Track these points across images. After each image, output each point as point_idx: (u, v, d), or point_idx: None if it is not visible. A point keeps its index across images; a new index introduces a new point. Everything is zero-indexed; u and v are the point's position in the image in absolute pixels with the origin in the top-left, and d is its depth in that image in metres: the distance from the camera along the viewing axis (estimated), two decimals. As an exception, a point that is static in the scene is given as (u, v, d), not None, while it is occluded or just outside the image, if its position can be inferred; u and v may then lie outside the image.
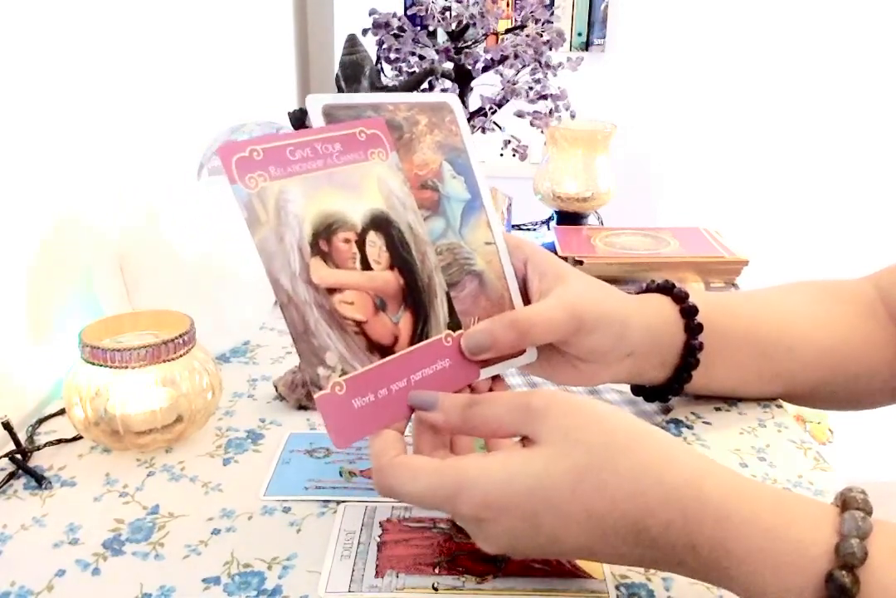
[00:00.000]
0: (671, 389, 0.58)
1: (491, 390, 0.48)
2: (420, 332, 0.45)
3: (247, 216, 0.41)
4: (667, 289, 0.57)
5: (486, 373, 0.47)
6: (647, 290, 0.59)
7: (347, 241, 0.43)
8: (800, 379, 0.59)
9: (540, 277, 0.50)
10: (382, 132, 0.47)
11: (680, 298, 0.56)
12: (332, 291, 0.42)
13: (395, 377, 0.43)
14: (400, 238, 0.45)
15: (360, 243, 0.44)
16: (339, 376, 0.41)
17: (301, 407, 0.62)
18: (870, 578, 0.32)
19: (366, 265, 0.44)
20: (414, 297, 0.45)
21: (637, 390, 0.61)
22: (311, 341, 0.41)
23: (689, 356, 0.55)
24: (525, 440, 0.40)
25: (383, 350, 0.43)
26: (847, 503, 0.35)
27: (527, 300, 0.51)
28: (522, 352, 0.50)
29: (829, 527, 0.34)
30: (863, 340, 0.59)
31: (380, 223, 0.45)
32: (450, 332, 0.46)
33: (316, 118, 0.45)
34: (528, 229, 1.17)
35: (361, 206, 0.44)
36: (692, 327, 0.55)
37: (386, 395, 0.42)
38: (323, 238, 0.43)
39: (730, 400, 0.63)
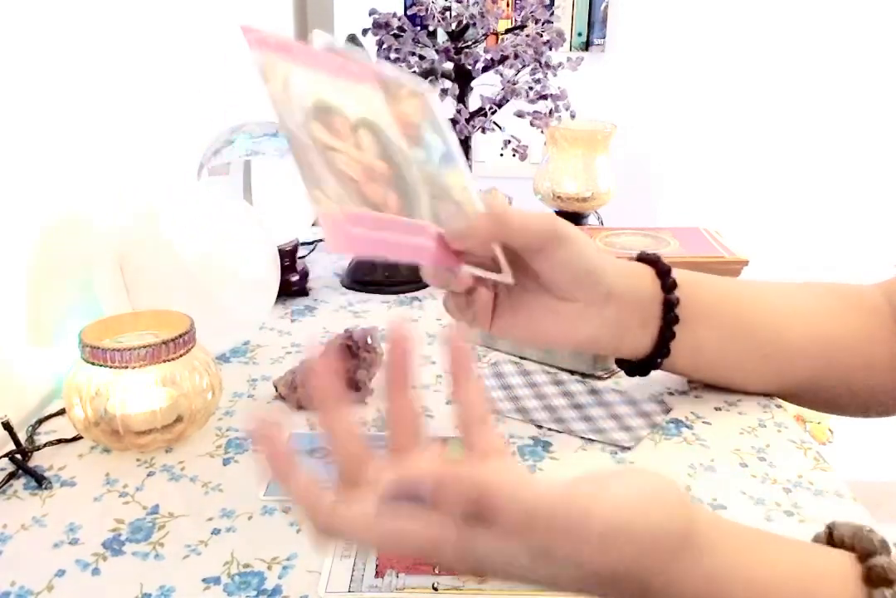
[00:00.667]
0: (659, 352, 0.57)
1: (473, 288, 0.50)
2: (407, 211, 0.47)
3: (261, 72, 0.44)
4: (640, 258, 0.58)
5: (466, 269, 0.49)
6: None
7: (342, 125, 0.46)
8: (791, 366, 0.59)
9: (515, 211, 0.51)
10: (372, 76, 0.50)
11: (653, 262, 0.57)
12: (328, 149, 0.44)
13: (388, 228, 0.45)
14: (387, 142, 0.48)
15: (353, 131, 0.46)
16: (336, 205, 0.43)
17: (301, 407, 0.62)
18: None
19: (358, 149, 0.46)
20: (400, 186, 0.47)
21: (631, 369, 0.61)
22: (312, 170, 0.43)
23: (669, 311, 0.56)
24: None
25: (376, 208, 0.45)
26: (872, 572, 0.33)
27: None
28: (500, 271, 0.51)
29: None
30: (859, 332, 0.59)
31: (370, 126, 0.47)
32: (434, 224, 0.48)
33: (318, 45, 0.49)
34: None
35: (355, 108, 0.47)
36: (667, 285, 0.56)
37: (380, 238, 0.44)
38: (322, 113, 0.45)
39: (730, 400, 0.63)
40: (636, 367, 0.60)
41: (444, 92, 0.92)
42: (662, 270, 0.57)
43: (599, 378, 0.67)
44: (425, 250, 0.48)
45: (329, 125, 0.45)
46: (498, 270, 0.51)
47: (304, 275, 0.86)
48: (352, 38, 0.86)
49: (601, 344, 0.56)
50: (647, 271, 0.57)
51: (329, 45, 0.50)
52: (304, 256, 0.92)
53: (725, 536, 0.34)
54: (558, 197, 1.06)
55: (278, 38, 0.46)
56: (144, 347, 0.52)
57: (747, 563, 0.34)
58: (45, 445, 0.56)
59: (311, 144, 0.44)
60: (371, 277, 0.87)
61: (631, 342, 0.57)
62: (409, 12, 0.92)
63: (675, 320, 0.56)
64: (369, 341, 0.65)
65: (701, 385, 0.65)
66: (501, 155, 1.00)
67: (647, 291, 0.56)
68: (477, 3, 0.88)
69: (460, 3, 0.88)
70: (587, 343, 0.55)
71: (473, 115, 0.91)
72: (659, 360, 0.58)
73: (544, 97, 0.91)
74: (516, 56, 0.88)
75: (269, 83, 0.44)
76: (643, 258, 0.59)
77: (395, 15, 0.89)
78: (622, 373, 0.68)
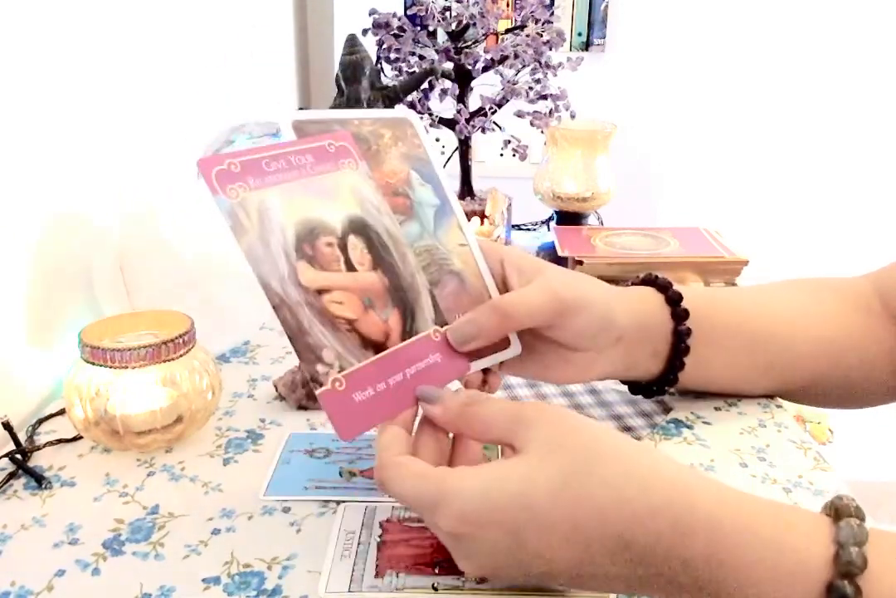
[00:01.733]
0: (667, 379, 0.57)
1: (485, 382, 0.49)
2: (409, 329, 0.46)
3: (231, 224, 0.42)
4: (649, 281, 0.58)
5: (476, 366, 0.49)
6: (632, 285, 0.60)
7: (330, 245, 0.45)
8: (796, 371, 0.59)
9: (518, 272, 0.50)
10: (350, 144, 0.49)
11: (663, 287, 0.57)
12: (320, 292, 0.44)
13: (391, 372, 0.45)
14: (379, 241, 0.47)
15: (342, 247, 0.45)
16: (338, 371, 0.42)
17: (301, 407, 0.62)
18: (870, 586, 0.32)
19: (350, 267, 0.45)
20: (399, 295, 0.47)
21: (635, 388, 0.61)
22: (307, 340, 0.42)
23: (679, 342, 0.55)
24: (508, 451, 0.40)
25: (376, 346, 0.45)
26: (840, 511, 0.34)
27: None
28: (507, 345, 0.50)
29: (825, 537, 0.33)
30: (858, 331, 0.59)
31: (358, 227, 0.46)
32: (437, 327, 0.48)
33: (287, 132, 0.47)
34: (528, 229, 1.17)
35: (338, 212, 0.46)
36: (678, 314, 0.55)
37: (384, 389, 0.44)
38: (307, 243, 0.44)
39: (730, 400, 0.63)
40: (640, 389, 0.60)
41: (444, 92, 0.93)
42: (672, 299, 0.56)
43: (599, 378, 0.67)
44: (434, 373, 0.46)
45: (316, 255, 0.44)
46: (503, 345, 0.50)
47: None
48: (352, 38, 0.86)
49: (611, 377, 0.57)
50: (657, 300, 0.56)
51: (300, 126, 0.48)
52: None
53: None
54: (558, 197, 1.06)
55: (241, 159, 0.44)
56: (144, 347, 0.52)
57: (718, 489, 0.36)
58: (45, 445, 0.56)
59: (301, 299, 0.43)
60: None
61: (639, 371, 0.57)
62: (409, 12, 0.92)
63: (686, 350, 0.56)
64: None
65: (701, 385, 0.65)
66: (501, 155, 1.00)
67: (657, 323, 0.55)
68: (477, 3, 0.88)
69: (460, 3, 0.88)
70: (597, 378, 0.56)
71: (473, 115, 0.91)
72: (666, 387, 0.58)
73: (544, 97, 0.91)
74: (516, 56, 0.88)
75: (243, 237, 0.43)
76: (653, 282, 0.58)
77: (395, 15, 0.89)
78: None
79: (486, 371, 0.50)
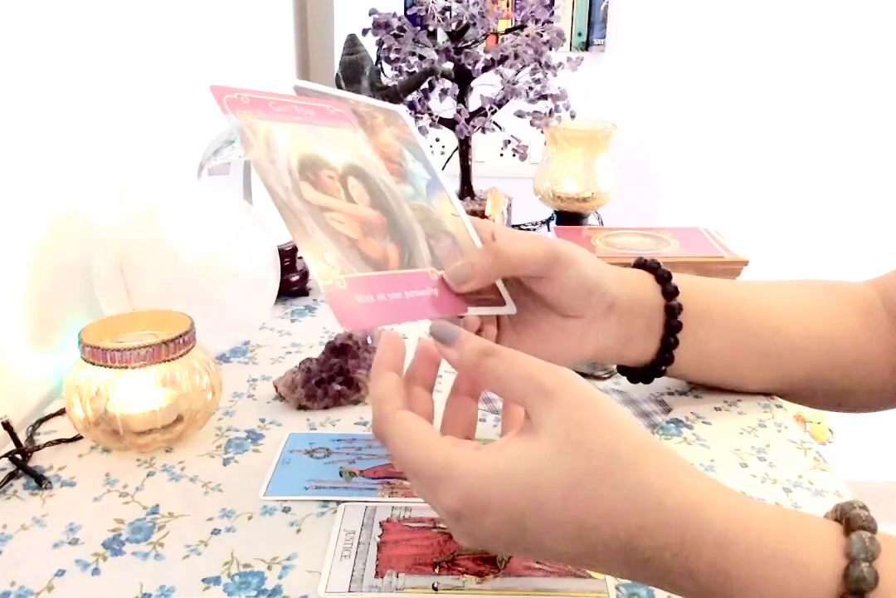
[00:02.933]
0: (664, 358, 0.57)
1: (480, 331, 0.51)
2: (407, 262, 0.47)
3: (240, 138, 0.44)
4: (639, 264, 0.59)
5: (472, 311, 0.49)
6: None
7: (331, 177, 0.47)
8: (793, 363, 0.59)
9: (511, 238, 0.52)
10: (347, 113, 0.51)
11: (653, 267, 0.58)
12: (322, 209, 0.45)
13: (391, 288, 0.45)
14: (377, 188, 0.49)
15: (343, 183, 0.47)
16: (339, 273, 0.43)
17: (301, 407, 0.62)
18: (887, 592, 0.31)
19: (350, 200, 0.47)
20: (398, 233, 0.48)
21: (634, 376, 0.61)
22: (310, 242, 0.43)
23: (671, 317, 0.56)
24: (526, 421, 0.38)
25: (376, 266, 0.46)
26: (851, 521, 0.33)
27: None
28: (504, 304, 0.51)
29: (836, 550, 0.33)
30: (857, 332, 0.59)
31: (357, 172, 0.48)
32: (433, 268, 0.49)
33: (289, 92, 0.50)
34: (528, 229, 1.17)
35: (339, 156, 0.48)
36: (668, 291, 0.56)
37: (385, 300, 0.44)
38: (309, 170, 0.46)
39: (730, 400, 0.63)
40: (639, 374, 0.60)
41: (444, 92, 0.93)
42: (662, 277, 0.57)
43: (599, 378, 0.67)
44: (431, 303, 0.48)
45: (318, 182, 0.46)
46: (499, 301, 0.51)
47: (304, 275, 0.86)
48: (352, 39, 0.86)
49: (607, 355, 0.57)
50: (647, 278, 0.57)
51: (301, 90, 0.50)
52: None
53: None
54: (558, 197, 1.06)
55: (251, 94, 0.46)
56: (144, 347, 0.52)
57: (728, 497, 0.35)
58: (45, 445, 0.56)
59: (306, 209, 0.44)
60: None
61: (635, 350, 0.57)
62: (409, 12, 0.92)
63: (679, 326, 0.56)
64: (369, 340, 0.65)
65: (701, 385, 0.65)
66: (501, 155, 1.00)
67: (648, 299, 0.56)
68: (477, 3, 0.88)
69: (460, 3, 0.88)
70: (594, 356, 0.56)
71: (473, 115, 0.91)
72: (662, 367, 0.58)
73: (544, 97, 0.91)
74: (516, 56, 0.88)
75: (251, 149, 0.44)
76: (643, 265, 0.59)
77: (395, 15, 0.89)
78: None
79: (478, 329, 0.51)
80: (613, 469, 0.34)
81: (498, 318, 0.53)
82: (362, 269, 0.44)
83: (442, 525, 0.47)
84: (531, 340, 0.53)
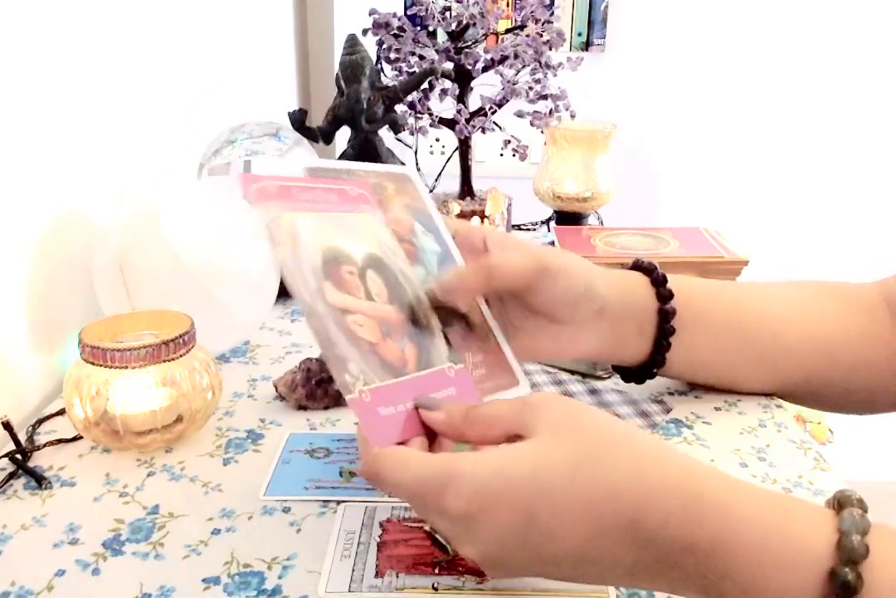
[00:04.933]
0: (655, 361, 0.58)
1: None
2: (424, 362, 0.47)
3: (268, 236, 0.44)
4: (635, 266, 0.59)
5: (487, 400, 0.49)
6: None
7: (351, 273, 0.47)
8: (789, 366, 0.59)
9: (500, 247, 0.52)
10: (369, 193, 0.52)
11: (649, 270, 0.58)
12: (344, 312, 0.44)
13: (411, 395, 0.45)
14: (395, 280, 0.49)
15: (362, 278, 0.47)
16: (363, 385, 0.42)
17: (301, 407, 0.62)
18: (872, 574, 0.32)
19: (369, 297, 0.46)
20: (415, 331, 0.48)
21: (627, 376, 0.61)
22: (334, 351, 0.42)
23: (664, 322, 0.56)
24: (517, 439, 0.39)
25: (394, 371, 0.45)
26: (843, 502, 0.35)
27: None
28: (517, 384, 0.52)
29: (828, 526, 0.34)
30: (857, 334, 0.59)
31: (376, 264, 0.48)
32: (451, 364, 0.48)
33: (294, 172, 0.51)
34: (528, 229, 1.17)
35: (359, 247, 0.48)
36: (662, 294, 0.56)
37: (405, 410, 0.44)
38: (332, 266, 0.46)
39: (730, 400, 0.63)
40: (631, 374, 0.60)
41: (444, 92, 0.93)
42: (657, 280, 0.57)
43: (599, 378, 0.67)
44: (450, 401, 0.47)
45: (339, 281, 0.45)
46: (513, 382, 0.51)
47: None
48: (352, 39, 0.86)
49: (600, 355, 0.58)
50: (642, 281, 0.57)
51: (314, 171, 0.50)
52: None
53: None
54: (558, 197, 1.06)
55: (277, 183, 0.47)
56: (144, 347, 0.52)
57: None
58: (45, 445, 0.56)
59: (328, 313, 0.44)
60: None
61: (627, 351, 0.58)
62: (409, 12, 0.92)
63: (672, 331, 0.56)
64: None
65: (701, 385, 0.65)
66: (501, 155, 1.00)
67: (641, 302, 0.56)
68: (477, 3, 0.88)
69: (460, 3, 0.88)
70: (587, 356, 0.57)
71: (473, 115, 0.91)
72: (654, 370, 0.59)
73: (544, 97, 0.91)
74: (516, 56, 0.88)
75: (278, 248, 0.44)
76: (639, 267, 0.59)
77: (395, 15, 0.89)
78: (622, 373, 0.68)
79: None
80: (610, 446, 0.36)
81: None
82: (383, 377, 0.44)
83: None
84: (523, 343, 0.53)
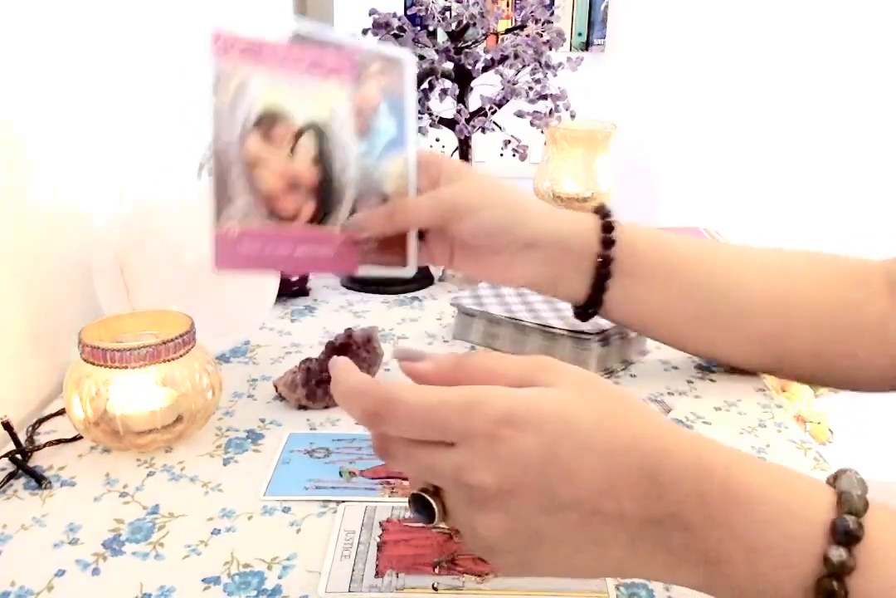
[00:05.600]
0: (592, 302, 0.60)
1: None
2: (320, 220, 0.54)
3: (213, 83, 0.49)
4: (596, 210, 0.61)
5: (363, 270, 0.55)
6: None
7: (285, 131, 0.52)
8: (743, 325, 0.59)
9: (447, 178, 0.58)
10: (348, 66, 0.55)
11: (604, 214, 0.60)
12: (255, 163, 0.51)
13: (281, 243, 0.52)
14: (328, 147, 0.54)
15: (295, 137, 0.53)
16: (236, 223, 0.49)
17: (301, 407, 0.62)
18: (874, 526, 0.33)
19: (291, 157, 0.52)
20: (324, 193, 0.54)
21: (577, 313, 0.63)
22: (226, 191, 0.49)
23: (602, 267, 0.58)
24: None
25: (280, 222, 0.52)
26: (839, 471, 0.36)
27: None
28: (405, 265, 0.57)
29: (828, 489, 0.35)
30: (843, 301, 0.58)
31: (316, 129, 0.54)
32: (343, 224, 0.55)
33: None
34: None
35: (307, 111, 0.53)
36: (605, 240, 0.58)
37: (269, 254, 0.51)
38: (265, 122, 0.51)
39: (730, 400, 0.63)
40: (581, 311, 0.63)
41: (444, 92, 0.92)
42: (606, 225, 0.59)
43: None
44: (323, 259, 0.54)
45: (268, 134, 0.51)
46: (400, 262, 0.57)
47: (304, 275, 0.86)
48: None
49: (538, 286, 0.61)
50: (591, 223, 0.59)
51: (308, 35, 0.54)
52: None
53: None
54: (558, 197, 1.06)
55: (249, 40, 0.51)
56: (144, 347, 0.52)
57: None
58: (45, 445, 0.56)
59: (237, 160, 0.50)
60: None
61: (565, 287, 0.60)
62: (409, 12, 0.92)
63: (608, 274, 0.59)
64: (370, 340, 0.65)
65: (701, 385, 0.65)
66: (501, 155, 1.00)
67: (581, 241, 0.59)
68: (477, 3, 0.88)
69: (460, 3, 0.88)
70: (524, 284, 0.61)
71: (473, 115, 0.91)
72: (591, 310, 0.61)
73: (544, 97, 0.91)
74: (516, 56, 0.88)
75: (217, 95, 0.49)
76: (598, 211, 0.61)
77: (395, 15, 0.89)
78: (621, 374, 0.68)
79: None
80: (629, 405, 0.36)
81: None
82: (262, 224, 0.51)
83: (442, 525, 0.47)
84: (464, 263, 0.59)
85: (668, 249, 0.61)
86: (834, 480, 0.36)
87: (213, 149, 0.48)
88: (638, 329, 0.64)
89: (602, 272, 0.59)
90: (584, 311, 0.62)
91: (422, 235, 0.59)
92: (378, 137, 0.56)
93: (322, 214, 0.54)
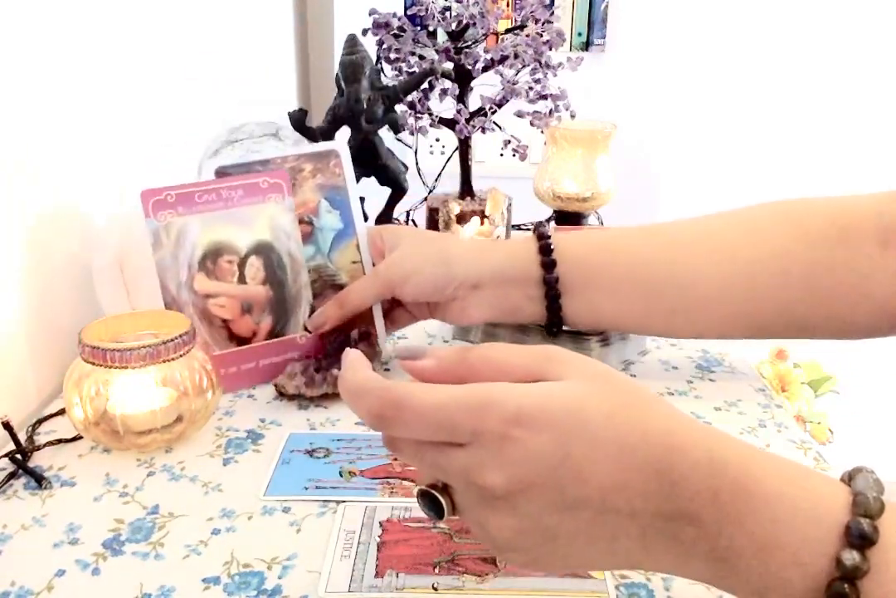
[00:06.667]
0: (555, 318, 0.61)
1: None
2: (278, 331, 0.62)
3: (152, 242, 0.57)
4: (535, 231, 0.62)
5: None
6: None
7: (230, 262, 0.60)
8: (705, 308, 0.59)
9: (389, 248, 0.63)
10: (284, 180, 0.61)
11: (542, 236, 0.61)
12: (208, 296, 0.59)
13: (248, 360, 0.62)
14: (278, 261, 0.61)
15: (241, 264, 0.60)
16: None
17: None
18: (889, 528, 0.32)
19: (242, 281, 0.60)
20: (279, 306, 0.62)
21: (546, 332, 0.65)
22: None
23: (549, 290, 0.60)
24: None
25: (241, 342, 0.61)
26: (855, 470, 0.35)
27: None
28: (374, 357, 0.64)
29: (843, 487, 0.34)
30: (812, 260, 0.57)
31: (262, 250, 0.61)
32: (304, 332, 0.63)
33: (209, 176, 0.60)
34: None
35: (248, 238, 0.60)
36: (545, 263, 0.60)
37: (242, 371, 0.62)
38: (210, 259, 0.59)
39: (730, 400, 0.63)
40: (547, 329, 0.64)
41: (444, 92, 0.92)
42: (543, 248, 0.60)
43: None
44: (292, 360, 0.63)
45: (214, 270, 0.59)
46: (371, 354, 0.63)
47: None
48: (352, 39, 0.85)
49: (500, 318, 0.63)
50: (526, 252, 0.61)
51: (225, 171, 0.59)
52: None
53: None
54: (558, 197, 1.06)
55: (178, 191, 0.57)
56: (144, 347, 0.52)
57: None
58: (45, 445, 0.56)
59: (189, 300, 0.58)
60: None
61: (525, 314, 0.62)
62: (409, 12, 0.92)
63: (558, 295, 0.60)
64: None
65: (701, 385, 0.65)
66: (501, 155, 1.00)
67: (522, 270, 0.60)
68: (477, 3, 0.88)
69: (460, 3, 0.88)
70: (486, 320, 0.63)
71: (473, 115, 0.91)
72: (555, 329, 0.63)
73: (544, 97, 0.91)
74: (516, 56, 0.88)
75: (158, 251, 0.57)
76: (536, 232, 0.62)
77: (395, 15, 0.89)
78: (622, 373, 0.68)
79: None
80: (643, 400, 0.36)
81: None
82: (225, 347, 0.61)
83: (442, 525, 0.47)
84: (436, 313, 0.64)
85: (607, 252, 0.61)
86: (849, 479, 0.35)
87: (164, 299, 0.57)
88: (610, 330, 0.66)
89: (552, 294, 0.60)
90: (550, 329, 0.64)
91: (400, 302, 0.64)
92: (324, 234, 0.62)
93: (281, 326, 0.62)
